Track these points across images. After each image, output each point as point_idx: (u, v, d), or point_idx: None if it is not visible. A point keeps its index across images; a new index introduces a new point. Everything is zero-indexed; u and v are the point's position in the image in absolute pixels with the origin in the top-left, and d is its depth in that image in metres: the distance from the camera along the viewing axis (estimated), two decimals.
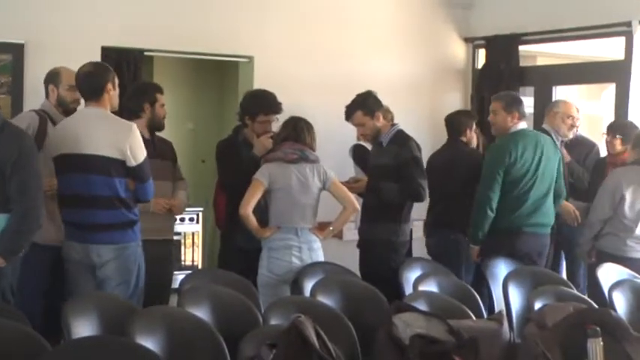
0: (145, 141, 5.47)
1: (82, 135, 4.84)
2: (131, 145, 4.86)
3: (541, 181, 5.93)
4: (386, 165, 5.95)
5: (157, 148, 5.59)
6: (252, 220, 5.45)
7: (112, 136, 4.85)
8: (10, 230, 4.44)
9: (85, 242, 4.88)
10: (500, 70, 7.77)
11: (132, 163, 4.87)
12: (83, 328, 3.92)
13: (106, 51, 6.41)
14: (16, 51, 6.11)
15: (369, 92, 6.05)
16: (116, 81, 4.99)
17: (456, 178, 6.45)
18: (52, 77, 5.27)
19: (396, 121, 6.45)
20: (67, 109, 5.22)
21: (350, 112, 6.04)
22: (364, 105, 5.99)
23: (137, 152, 4.89)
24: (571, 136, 6.64)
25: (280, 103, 5.93)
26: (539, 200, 5.94)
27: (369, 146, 6.35)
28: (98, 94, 4.89)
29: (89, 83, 4.93)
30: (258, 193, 5.45)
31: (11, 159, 4.41)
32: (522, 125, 6.06)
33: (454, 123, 6.77)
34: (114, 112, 5.06)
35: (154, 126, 5.60)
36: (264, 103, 5.93)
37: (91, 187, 4.83)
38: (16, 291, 4.73)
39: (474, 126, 6.75)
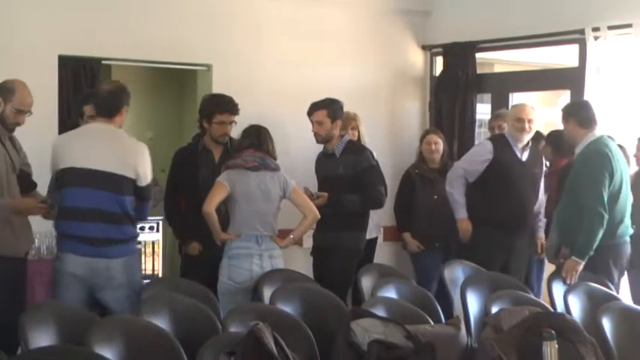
0: None
1: (95, 150, 4.90)
2: (143, 165, 4.97)
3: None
4: (343, 175, 6.07)
5: None
6: (215, 219, 5.45)
7: (126, 155, 4.94)
8: None
9: (92, 256, 4.88)
10: (457, 77, 7.83)
11: (142, 183, 4.97)
12: (41, 338, 3.88)
13: (63, 60, 6.38)
14: None
15: (338, 100, 6.21)
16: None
17: None
18: (5, 92, 5.04)
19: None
20: (7, 127, 5.08)
21: (315, 108, 6.16)
22: (330, 107, 6.13)
23: (147, 173, 5.01)
24: (524, 140, 6.42)
25: (237, 105, 5.97)
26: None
27: None
28: (115, 113, 4.98)
29: (109, 101, 5.00)
30: (221, 194, 5.45)
31: None
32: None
33: None
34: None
35: None
36: (219, 103, 5.98)
37: (102, 202, 4.87)
38: None
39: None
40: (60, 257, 5.00)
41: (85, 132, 5.07)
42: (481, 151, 6.49)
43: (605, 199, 5.63)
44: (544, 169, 6.63)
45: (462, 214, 6.42)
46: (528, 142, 6.43)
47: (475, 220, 6.43)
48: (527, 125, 6.31)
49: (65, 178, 4.94)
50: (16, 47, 6.15)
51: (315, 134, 6.19)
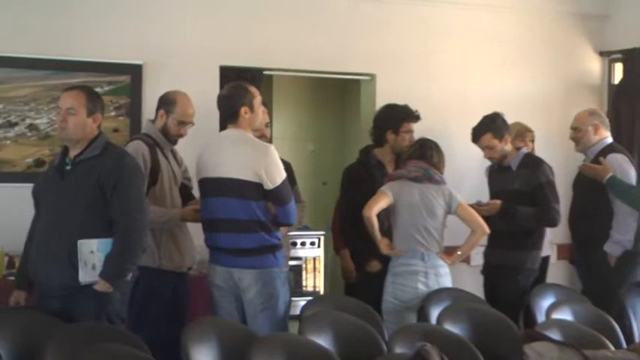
0: None
1: (219, 158, 4.88)
2: (266, 167, 4.79)
3: None
4: (518, 190, 5.86)
5: None
6: (375, 223, 5.32)
7: (246, 158, 4.82)
8: (113, 254, 4.38)
9: (227, 266, 4.88)
10: (638, 85, 7.45)
11: (269, 186, 4.80)
12: (202, 353, 3.96)
13: (225, 70, 6.42)
14: (135, 72, 6.14)
15: (497, 114, 5.97)
16: (255, 103, 4.93)
17: None
18: (166, 104, 5.13)
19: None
20: (170, 140, 5.15)
21: (478, 134, 5.95)
22: (493, 127, 5.90)
23: (274, 175, 4.80)
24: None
25: (416, 110, 5.91)
26: None
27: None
28: (234, 117, 4.90)
29: (225, 106, 4.96)
30: (383, 202, 5.34)
31: (113, 181, 4.39)
32: None
33: None
34: None
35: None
36: (404, 111, 5.91)
37: (228, 210, 4.82)
38: (141, 317, 4.84)
39: None
40: (208, 268, 5.06)
41: (213, 140, 5.06)
42: None
43: None
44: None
45: None
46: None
47: None
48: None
49: (201, 189, 4.98)
50: (179, 58, 6.25)
51: (490, 159, 6.03)
